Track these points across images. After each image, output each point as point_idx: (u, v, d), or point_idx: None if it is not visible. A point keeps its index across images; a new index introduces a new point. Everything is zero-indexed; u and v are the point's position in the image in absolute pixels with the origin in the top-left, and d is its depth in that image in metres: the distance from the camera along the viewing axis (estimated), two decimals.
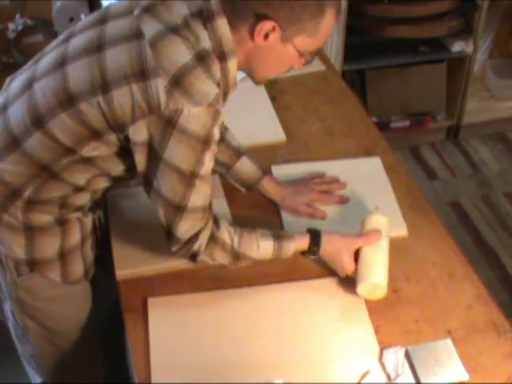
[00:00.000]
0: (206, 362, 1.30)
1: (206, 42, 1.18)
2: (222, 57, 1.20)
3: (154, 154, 1.19)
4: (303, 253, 1.42)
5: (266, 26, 1.18)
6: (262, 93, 2.00)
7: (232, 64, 1.22)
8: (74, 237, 1.40)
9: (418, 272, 1.47)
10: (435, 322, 1.36)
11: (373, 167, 1.74)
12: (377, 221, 1.44)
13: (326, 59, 2.22)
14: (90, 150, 1.24)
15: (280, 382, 1.24)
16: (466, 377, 1.24)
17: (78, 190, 1.33)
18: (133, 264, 1.46)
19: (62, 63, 1.22)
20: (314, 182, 1.64)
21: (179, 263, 1.43)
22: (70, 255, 1.41)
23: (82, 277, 1.47)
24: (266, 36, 1.19)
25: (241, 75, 2.05)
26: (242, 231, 1.34)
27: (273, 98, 1.99)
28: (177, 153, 1.17)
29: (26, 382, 1.79)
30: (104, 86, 1.16)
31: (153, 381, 1.26)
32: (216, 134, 1.20)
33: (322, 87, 2.06)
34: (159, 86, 1.13)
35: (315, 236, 1.40)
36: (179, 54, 1.14)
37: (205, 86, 1.15)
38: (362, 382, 1.25)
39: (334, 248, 1.40)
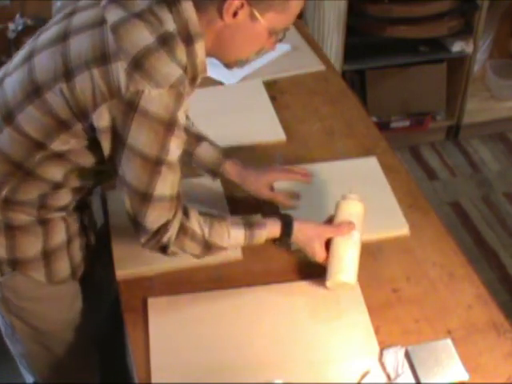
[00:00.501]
0: (205, 362, 1.30)
1: (170, 26, 1.16)
2: (189, 40, 1.18)
3: (118, 140, 1.17)
4: (275, 241, 1.40)
5: (235, 2, 1.16)
6: (261, 93, 2.01)
7: (199, 47, 1.20)
8: (58, 236, 1.38)
9: (418, 272, 1.47)
10: (435, 322, 1.36)
11: (370, 167, 1.74)
12: (352, 207, 1.42)
13: (326, 59, 2.22)
14: (61, 144, 1.22)
15: (280, 382, 1.24)
16: (465, 377, 1.24)
17: (57, 187, 1.31)
18: (133, 264, 1.46)
19: (29, 57, 1.22)
20: (278, 173, 1.60)
21: (179, 263, 1.43)
22: (54, 255, 1.39)
23: (69, 276, 1.45)
24: (235, 14, 1.17)
25: (240, 75, 2.08)
26: (212, 220, 1.31)
27: (273, 98, 1.99)
28: (140, 137, 1.15)
29: (21, 382, 1.79)
30: (66, 73, 1.16)
31: (153, 381, 1.26)
32: (181, 119, 1.18)
33: (322, 87, 2.06)
34: (120, 68, 1.11)
35: (286, 224, 1.38)
36: (141, 36, 1.13)
37: (167, 67, 1.13)
38: (362, 382, 1.25)
39: (306, 236, 1.39)
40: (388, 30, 2.82)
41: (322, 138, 1.85)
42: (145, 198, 1.20)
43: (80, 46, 1.16)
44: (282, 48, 2.22)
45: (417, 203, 1.64)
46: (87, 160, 1.28)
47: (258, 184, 1.55)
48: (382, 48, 2.95)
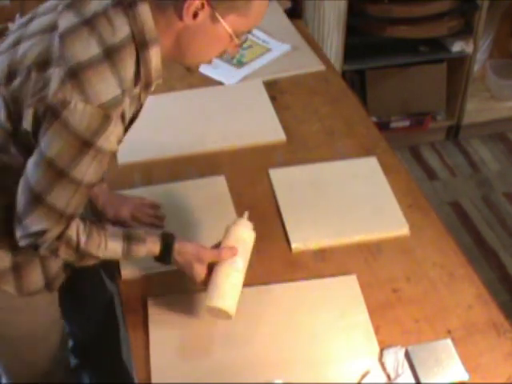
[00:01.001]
0: (206, 362, 1.30)
1: (123, 32, 1.13)
2: (143, 45, 1.15)
3: (37, 142, 1.14)
4: (156, 258, 1.35)
5: (195, 3, 1.12)
6: (262, 93, 2.01)
7: (154, 53, 1.17)
8: (29, 249, 1.30)
9: (418, 272, 1.47)
10: (435, 322, 1.36)
11: (370, 167, 1.74)
12: (241, 233, 1.36)
13: (326, 59, 2.22)
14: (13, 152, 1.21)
15: (280, 382, 1.24)
16: (465, 377, 1.24)
17: None
18: (133, 264, 1.46)
19: None
20: (135, 207, 1.58)
21: None
22: (25, 268, 1.36)
23: (42, 288, 1.41)
24: (195, 15, 1.14)
25: (240, 75, 2.08)
26: (91, 230, 1.27)
27: (273, 98, 1.99)
28: (53, 144, 1.11)
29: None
30: (9, 76, 1.15)
31: (153, 381, 1.26)
32: (107, 145, 1.13)
33: (322, 87, 2.06)
34: (56, 74, 1.09)
35: (167, 244, 1.34)
36: (85, 47, 1.11)
37: (103, 84, 1.10)
38: (362, 382, 1.25)
39: (184, 258, 1.33)
40: (388, 29, 2.82)
41: (322, 138, 1.85)
42: (36, 198, 1.16)
43: (27, 50, 1.15)
44: (282, 48, 2.22)
45: (417, 203, 1.64)
46: None
47: (104, 211, 1.56)
48: (382, 48, 2.95)
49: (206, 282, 1.33)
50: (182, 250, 1.34)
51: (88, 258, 1.29)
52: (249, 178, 1.70)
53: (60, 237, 1.22)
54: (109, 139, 1.13)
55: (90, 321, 1.83)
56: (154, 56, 1.17)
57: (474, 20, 2.92)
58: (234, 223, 1.37)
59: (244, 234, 1.35)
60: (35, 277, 1.38)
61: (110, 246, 1.29)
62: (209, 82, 2.05)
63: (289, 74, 2.12)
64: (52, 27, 1.15)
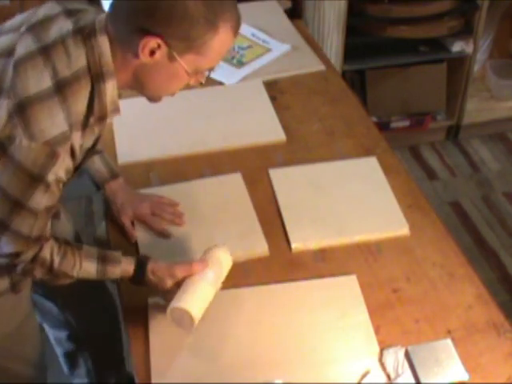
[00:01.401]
0: (206, 361, 1.30)
1: (79, 63, 1.12)
2: (99, 77, 1.14)
3: None
4: (130, 280, 1.36)
5: (151, 42, 1.11)
6: (262, 93, 2.01)
7: (110, 86, 1.16)
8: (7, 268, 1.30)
9: (418, 272, 1.47)
10: (435, 322, 1.36)
11: (370, 167, 1.74)
12: (216, 254, 1.37)
13: (326, 59, 2.22)
14: None
15: (280, 382, 1.24)
16: (465, 377, 1.24)
17: None
18: None
19: None
20: (154, 205, 1.57)
21: None
22: None
23: (7, 290, 1.37)
24: (152, 53, 1.12)
25: (240, 75, 2.08)
26: (66, 250, 1.28)
27: (273, 98, 1.99)
28: (4, 177, 1.11)
29: None
30: None
31: (153, 381, 1.26)
32: (53, 176, 1.12)
33: (322, 87, 2.06)
34: (5, 107, 1.09)
35: (140, 264, 1.34)
36: (38, 79, 1.10)
37: (49, 121, 1.09)
38: (362, 382, 1.25)
39: (157, 277, 1.34)
40: (388, 29, 2.82)
41: (322, 138, 1.85)
42: (2, 225, 1.17)
43: None
44: (282, 48, 2.22)
45: (417, 203, 1.64)
46: None
47: (121, 213, 1.55)
48: (382, 48, 2.95)
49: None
50: (155, 268, 1.34)
51: (63, 278, 1.30)
52: (249, 178, 1.70)
53: (34, 259, 1.23)
54: (57, 173, 1.13)
55: (86, 308, 1.83)
56: (110, 89, 1.16)
57: (474, 20, 2.92)
58: (213, 247, 1.38)
59: (221, 256, 1.37)
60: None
61: (84, 266, 1.30)
62: (209, 81, 2.03)
63: (289, 74, 2.11)
64: (9, 52, 1.14)
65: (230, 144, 1.82)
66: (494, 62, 3.39)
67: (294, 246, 1.52)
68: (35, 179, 1.11)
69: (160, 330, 1.35)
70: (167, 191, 1.64)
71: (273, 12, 2.45)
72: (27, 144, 1.08)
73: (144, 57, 1.13)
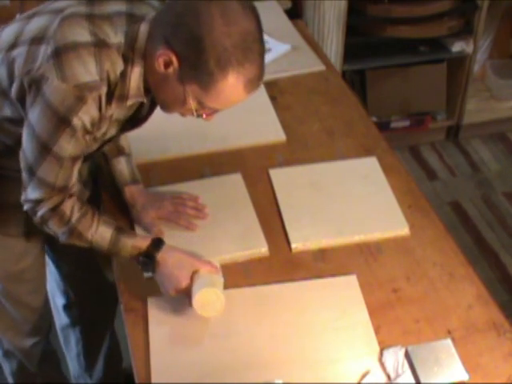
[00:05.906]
0: (205, 361, 1.30)
1: (118, 38, 1.19)
2: (128, 60, 1.20)
3: (25, 112, 1.22)
4: (139, 258, 1.36)
5: (165, 54, 1.15)
6: (262, 93, 2.00)
7: (136, 72, 1.21)
8: (12, 195, 1.39)
9: (417, 272, 1.47)
10: (435, 322, 1.36)
11: (370, 167, 1.74)
12: (209, 273, 1.37)
13: (326, 59, 2.22)
14: (4, 111, 1.28)
15: (280, 382, 1.24)
16: (466, 377, 1.24)
17: (10, 150, 1.34)
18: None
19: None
20: (176, 201, 1.57)
21: None
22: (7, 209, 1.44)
23: (20, 235, 1.50)
24: (166, 66, 1.17)
25: None
26: (86, 210, 1.33)
27: (273, 98, 1.99)
28: (36, 116, 1.19)
29: None
30: (12, 45, 1.23)
31: (153, 381, 1.26)
32: (79, 123, 1.18)
33: (322, 87, 2.06)
34: (43, 50, 1.17)
35: (157, 241, 1.36)
36: (77, 33, 1.17)
37: (82, 68, 1.16)
38: (362, 382, 1.25)
39: (178, 259, 1.35)
40: (388, 29, 2.82)
41: (322, 138, 1.85)
42: (30, 171, 1.25)
43: (33, 25, 1.23)
44: (282, 48, 2.22)
45: (417, 203, 1.64)
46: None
47: (141, 214, 1.55)
48: (382, 48, 2.95)
49: (185, 291, 1.33)
50: (175, 251, 1.36)
51: (76, 237, 1.33)
52: (249, 178, 1.70)
53: (54, 209, 1.29)
54: (83, 120, 1.19)
55: (86, 287, 1.86)
56: (136, 75, 1.22)
57: (473, 20, 2.92)
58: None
59: (213, 275, 1.37)
60: (15, 221, 1.47)
61: (100, 230, 1.34)
62: None
63: (289, 74, 2.11)
64: (61, 10, 1.22)
65: (230, 144, 1.82)
66: (494, 62, 3.39)
67: (293, 246, 1.52)
68: (62, 120, 1.18)
69: (160, 330, 1.35)
70: (167, 191, 1.64)
71: (273, 12, 2.45)
72: (58, 84, 1.15)
73: (158, 66, 1.18)
